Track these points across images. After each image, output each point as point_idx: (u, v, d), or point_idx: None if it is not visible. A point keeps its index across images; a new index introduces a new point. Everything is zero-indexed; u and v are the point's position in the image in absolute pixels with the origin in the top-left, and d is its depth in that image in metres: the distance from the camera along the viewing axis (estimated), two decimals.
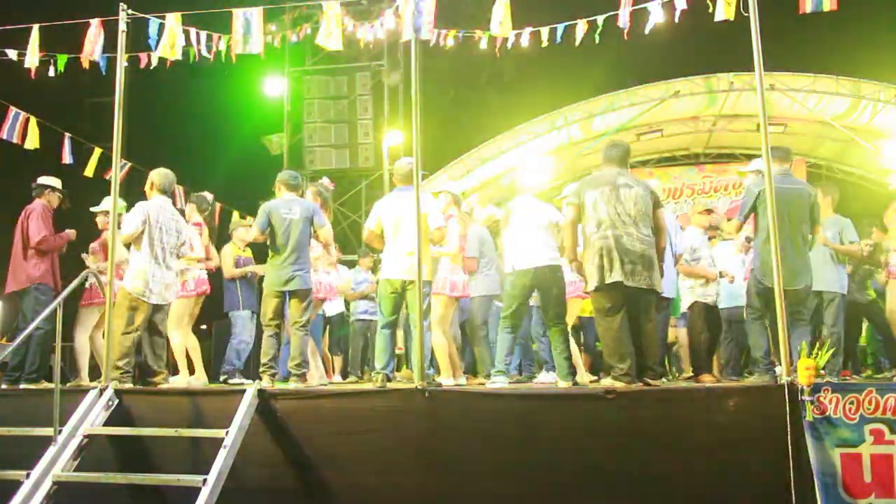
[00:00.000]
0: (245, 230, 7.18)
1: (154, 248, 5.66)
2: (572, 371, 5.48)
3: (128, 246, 5.75)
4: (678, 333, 7.77)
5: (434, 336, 5.66)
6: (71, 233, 6.45)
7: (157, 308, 5.71)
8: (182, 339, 6.36)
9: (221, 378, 6.60)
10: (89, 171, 8.26)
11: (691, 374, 6.91)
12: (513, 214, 5.81)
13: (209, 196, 6.91)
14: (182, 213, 6.40)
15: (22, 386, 6.03)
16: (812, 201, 5.36)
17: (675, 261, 6.41)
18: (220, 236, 7.31)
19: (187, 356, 6.44)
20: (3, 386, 6.08)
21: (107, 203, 6.56)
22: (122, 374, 5.38)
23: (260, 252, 6.31)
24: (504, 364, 5.50)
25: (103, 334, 5.85)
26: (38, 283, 6.18)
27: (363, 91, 11.68)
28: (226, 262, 6.89)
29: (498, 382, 5.36)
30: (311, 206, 5.91)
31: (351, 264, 9.42)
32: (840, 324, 6.12)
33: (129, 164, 8.35)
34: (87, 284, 6.35)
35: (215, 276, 6.92)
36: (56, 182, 6.51)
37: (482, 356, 6.58)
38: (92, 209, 6.68)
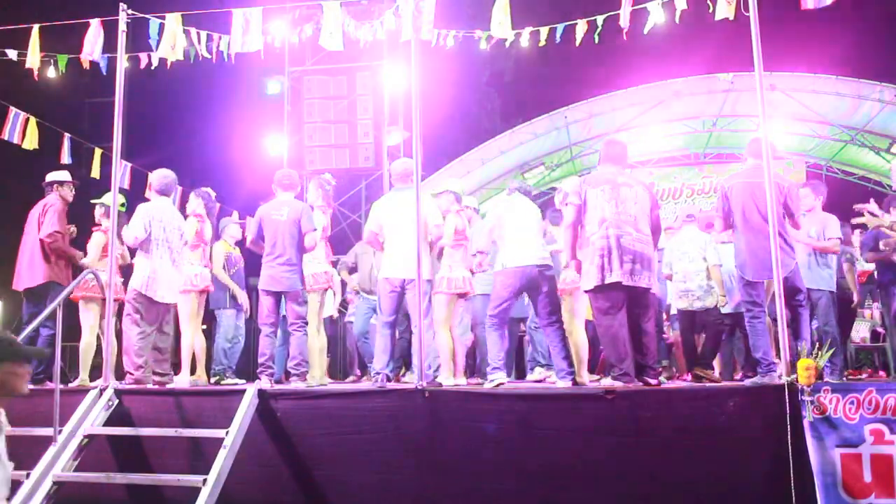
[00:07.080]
0: (236, 227, 7.18)
1: (160, 248, 5.69)
2: (571, 370, 5.45)
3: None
4: (675, 334, 7.75)
5: (438, 336, 5.62)
6: (78, 254, 6.26)
7: (164, 307, 5.73)
8: (192, 337, 6.32)
9: (213, 379, 6.59)
10: (95, 173, 8.28)
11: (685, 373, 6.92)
12: (503, 214, 5.73)
13: (212, 193, 6.90)
14: (183, 209, 6.41)
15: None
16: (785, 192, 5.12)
17: None
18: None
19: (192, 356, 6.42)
20: None
21: (107, 197, 6.56)
22: (143, 372, 5.47)
23: (253, 253, 6.26)
24: (499, 360, 5.42)
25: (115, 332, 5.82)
26: (57, 281, 5.98)
27: (363, 91, 11.64)
28: (216, 259, 6.88)
29: (497, 379, 5.30)
30: (300, 209, 5.82)
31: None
32: (833, 322, 6.06)
33: (129, 165, 8.35)
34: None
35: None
36: (66, 175, 6.40)
37: (483, 355, 6.53)
38: (92, 201, 6.66)
